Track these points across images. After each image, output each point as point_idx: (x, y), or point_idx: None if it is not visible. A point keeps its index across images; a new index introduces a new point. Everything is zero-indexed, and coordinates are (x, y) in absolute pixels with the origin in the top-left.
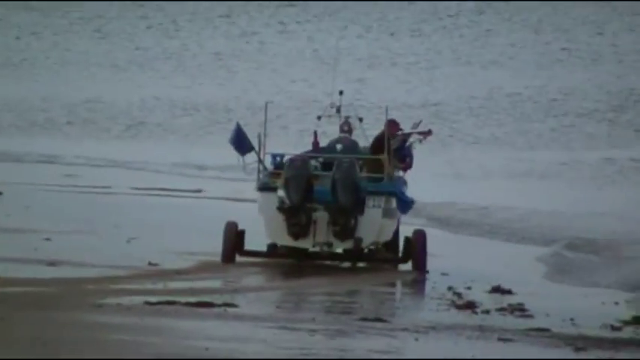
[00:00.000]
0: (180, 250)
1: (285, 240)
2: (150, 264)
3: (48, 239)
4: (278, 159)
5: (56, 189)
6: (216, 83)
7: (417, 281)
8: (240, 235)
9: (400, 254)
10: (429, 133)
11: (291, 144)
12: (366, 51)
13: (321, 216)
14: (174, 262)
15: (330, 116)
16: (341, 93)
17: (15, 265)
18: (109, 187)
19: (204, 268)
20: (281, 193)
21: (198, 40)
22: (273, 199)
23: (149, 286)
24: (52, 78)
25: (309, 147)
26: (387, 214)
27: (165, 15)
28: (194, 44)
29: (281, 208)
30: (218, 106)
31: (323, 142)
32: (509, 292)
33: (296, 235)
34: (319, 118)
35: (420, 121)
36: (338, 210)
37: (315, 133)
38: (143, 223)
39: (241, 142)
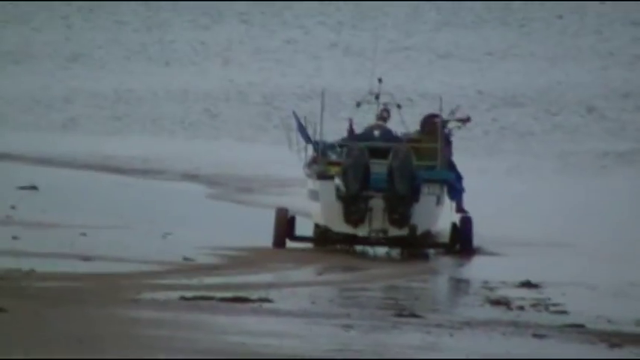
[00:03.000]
0: (215, 245)
1: (342, 227)
2: (185, 259)
3: (84, 234)
4: (319, 146)
5: (92, 184)
6: (257, 73)
7: (451, 277)
8: (291, 221)
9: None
10: (467, 119)
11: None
12: (404, 40)
13: (377, 203)
14: (210, 257)
15: (369, 103)
16: (380, 81)
17: (51, 260)
18: (144, 182)
19: (239, 263)
20: (337, 181)
21: (239, 32)
22: (331, 187)
23: (184, 281)
24: (92, 71)
25: (344, 134)
26: (440, 201)
27: (201, 8)
28: (235, 35)
29: (341, 197)
30: (257, 96)
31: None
32: (536, 286)
33: (355, 223)
34: (358, 105)
35: (457, 108)
36: (396, 198)
37: (351, 121)
38: (178, 218)
39: (303, 130)
